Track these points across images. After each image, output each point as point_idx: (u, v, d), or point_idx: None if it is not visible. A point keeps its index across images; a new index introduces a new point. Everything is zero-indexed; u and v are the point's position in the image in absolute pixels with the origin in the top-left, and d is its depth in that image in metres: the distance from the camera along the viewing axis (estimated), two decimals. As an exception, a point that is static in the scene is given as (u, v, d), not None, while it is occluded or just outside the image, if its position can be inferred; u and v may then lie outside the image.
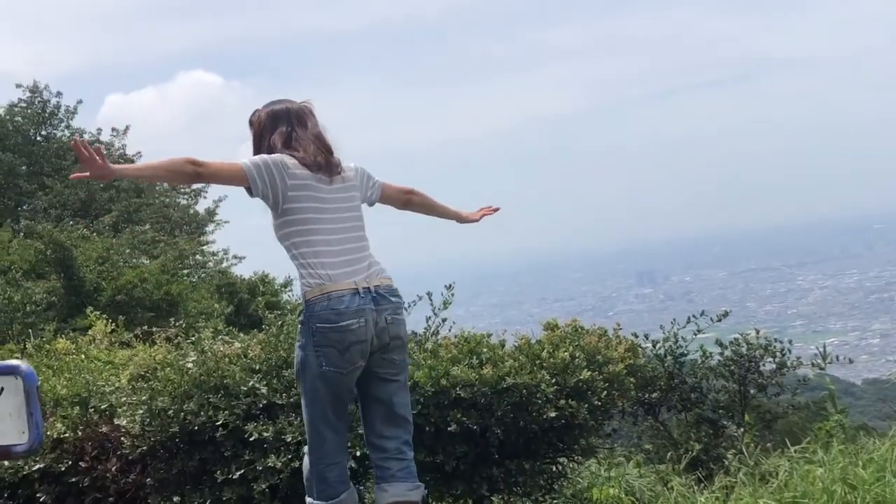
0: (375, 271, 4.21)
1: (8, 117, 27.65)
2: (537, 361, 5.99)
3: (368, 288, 4.09)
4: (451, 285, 6.89)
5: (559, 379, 5.91)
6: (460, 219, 5.03)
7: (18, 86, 29.65)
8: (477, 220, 5.07)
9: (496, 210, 5.13)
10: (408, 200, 4.74)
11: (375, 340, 4.11)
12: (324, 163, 4.19)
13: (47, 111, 28.50)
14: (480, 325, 6.83)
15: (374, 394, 4.29)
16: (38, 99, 29.08)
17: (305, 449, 4.36)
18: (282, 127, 4.24)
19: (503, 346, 6.33)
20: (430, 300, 6.78)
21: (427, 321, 6.82)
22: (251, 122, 4.36)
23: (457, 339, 6.33)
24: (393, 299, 4.22)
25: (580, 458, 6.62)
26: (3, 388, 4.77)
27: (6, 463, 5.77)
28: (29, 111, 28.40)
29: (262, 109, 4.36)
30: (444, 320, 6.81)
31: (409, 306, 6.68)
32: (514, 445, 5.95)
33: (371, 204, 4.51)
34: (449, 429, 5.63)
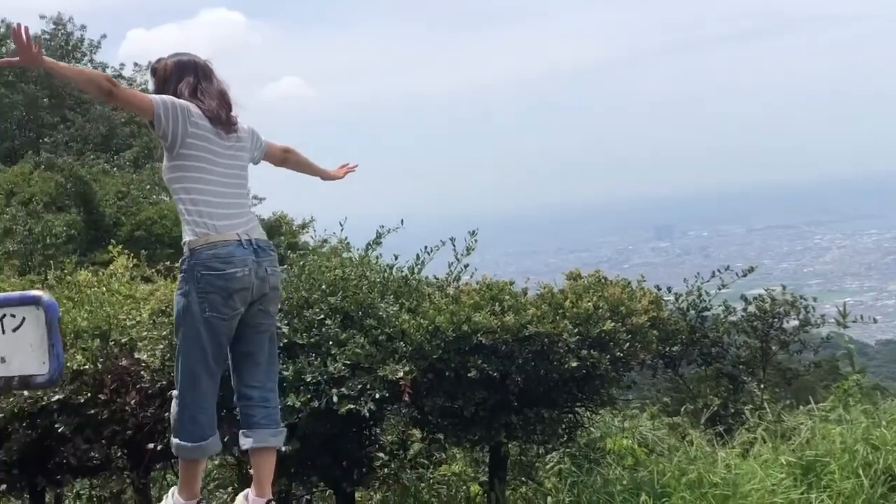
0: (254, 226, 4.37)
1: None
2: (560, 311, 5.94)
3: (250, 240, 4.25)
4: (474, 231, 6.82)
5: (581, 329, 5.86)
6: (325, 176, 5.23)
7: (42, 17, 29.57)
8: (341, 177, 5.30)
9: (355, 167, 5.32)
10: (284, 159, 4.93)
11: (255, 289, 4.26)
12: (224, 118, 4.32)
13: (71, 44, 28.42)
14: (496, 274, 6.80)
15: (244, 345, 4.42)
16: (62, 31, 28.99)
17: (174, 393, 4.42)
18: (188, 77, 4.35)
19: (525, 293, 6.28)
20: (454, 246, 6.71)
21: (449, 266, 6.76)
22: (155, 70, 4.45)
23: (479, 285, 6.28)
24: (271, 252, 4.39)
25: (599, 408, 6.60)
26: (24, 319, 4.77)
27: (26, 393, 5.78)
28: (52, 43, 28.30)
29: (167, 59, 4.44)
30: (465, 266, 6.75)
31: (432, 251, 6.63)
32: (533, 393, 5.93)
33: (256, 162, 4.68)
34: (469, 375, 5.60)
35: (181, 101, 4.18)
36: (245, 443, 4.44)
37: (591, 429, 7.22)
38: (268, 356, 4.49)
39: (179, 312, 4.27)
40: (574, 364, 5.71)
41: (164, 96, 4.17)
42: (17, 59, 3.89)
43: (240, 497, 4.53)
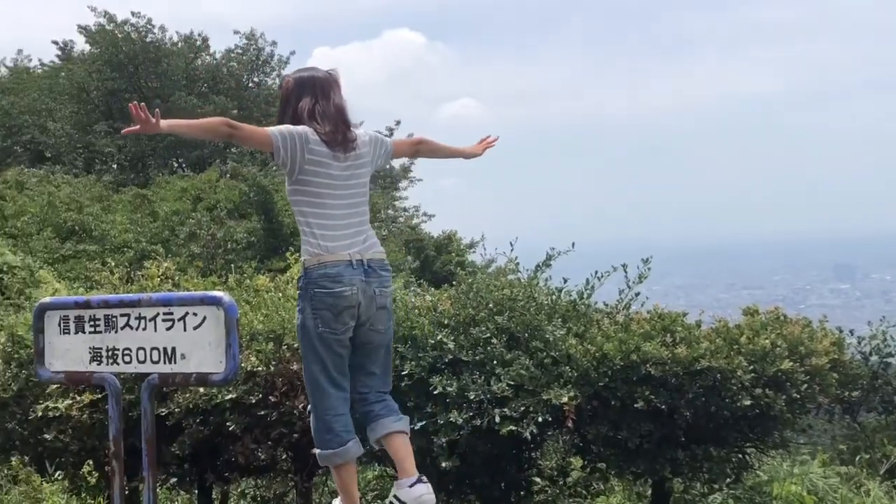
0: (370, 245, 4.49)
1: (224, 62, 28.90)
2: (735, 346, 5.73)
3: (361, 260, 4.40)
4: (647, 259, 6.67)
5: (757, 366, 5.63)
6: (465, 155, 5.20)
7: (236, 32, 31.00)
8: (480, 154, 5.24)
9: (495, 140, 5.24)
10: (417, 150, 5.15)
11: (363, 308, 4.40)
12: (341, 139, 4.44)
13: (261, 59, 29.65)
14: (666, 305, 6.62)
15: (357, 357, 4.53)
16: (254, 46, 30.26)
17: (310, 408, 4.54)
18: (307, 97, 4.47)
19: (699, 326, 6.08)
20: (625, 272, 6.58)
21: (619, 293, 6.63)
22: (279, 87, 4.58)
23: (650, 314, 6.13)
24: (382, 273, 4.51)
25: (769, 450, 6.32)
26: (205, 318, 4.94)
27: (201, 389, 5.99)
28: (244, 58, 29.60)
29: (290, 76, 4.60)
30: (637, 294, 6.60)
31: (602, 277, 6.52)
32: (702, 430, 5.73)
33: (383, 168, 4.89)
34: (636, 405, 5.47)
35: (299, 128, 4.34)
36: (372, 435, 4.56)
37: (759, 472, 6.92)
38: (382, 367, 4.63)
39: (298, 328, 4.49)
40: (747, 402, 5.49)
41: (281, 128, 4.33)
42: (138, 127, 4.06)
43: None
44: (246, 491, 7.90)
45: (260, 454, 6.18)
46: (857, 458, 7.93)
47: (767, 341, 5.73)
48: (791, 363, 5.65)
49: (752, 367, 5.59)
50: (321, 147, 4.36)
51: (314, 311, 4.36)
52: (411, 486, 4.36)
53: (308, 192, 4.38)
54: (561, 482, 6.49)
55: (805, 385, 5.71)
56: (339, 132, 4.44)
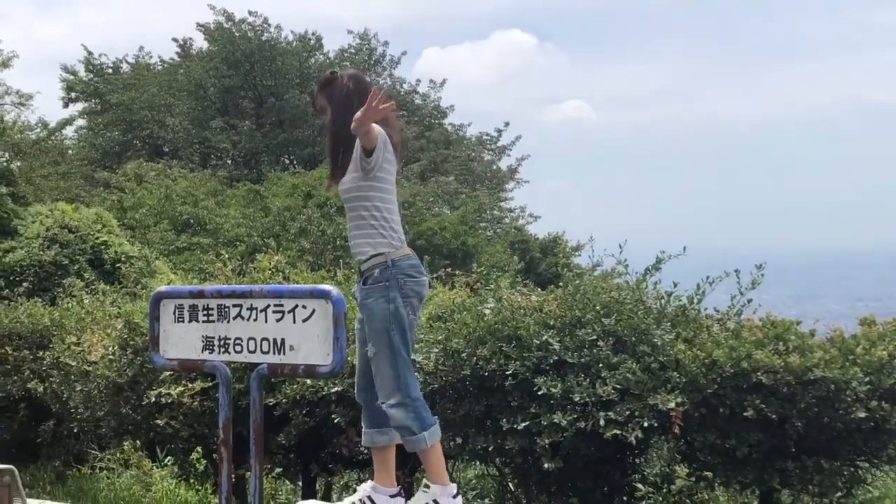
0: None
1: (337, 61, 29.36)
2: (850, 357, 5.54)
3: None
4: (761, 265, 6.50)
5: (873, 378, 5.44)
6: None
7: (350, 32, 31.48)
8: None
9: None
10: None
11: None
12: (399, 145, 4.70)
13: (373, 58, 30.03)
14: (780, 313, 6.43)
15: None
16: (366, 46, 30.66)
17: (394, 401, 4.46)
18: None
19: (813, 335, 5.91)
20: (738, 278, 6.42)
21: (731, 299, 6.48)
22: (331, 81, 4.60)
23: (762, 322, 5.98)
24: None
25: (884, 465, 6.10)
26: (314, 311, 5.01)
27: (309, 381, 6.08)
28: (357, 57, 30.02)
29: (344, 72, 4.66)
30: (749, 301, 6.44)
31: (714, 282, 6.39)
32: (813, 441, 5.56)
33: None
34: (745, 414, 5.34)
35: (383, 131, 4.47)
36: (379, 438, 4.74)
37: (871, 487, 6.69)
38: None
39: (389, 317, 4.47)
40: (862, 415, 5.31)
41: (381, 131, 4.42)
42: (366, 115, 4.20)
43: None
44: (349, 483, 7.99)
45: (363, 447, 6.25)
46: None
47: (885, 352, 5.53)
48: (909, 376, 5.44)
49: (867, 378, 5.41)
50: (391, 149, 4.54)
51: (405, 299, 4.45)
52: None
53: (383, 189, 4.55)
54: (665, 489, 6.36)
55: (924, 399, 5.49)
56: (398, 138, 4.68)
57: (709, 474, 5.79)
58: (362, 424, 4.74)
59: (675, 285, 6.37)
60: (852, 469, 5.98)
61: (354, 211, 4.56)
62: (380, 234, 4.51)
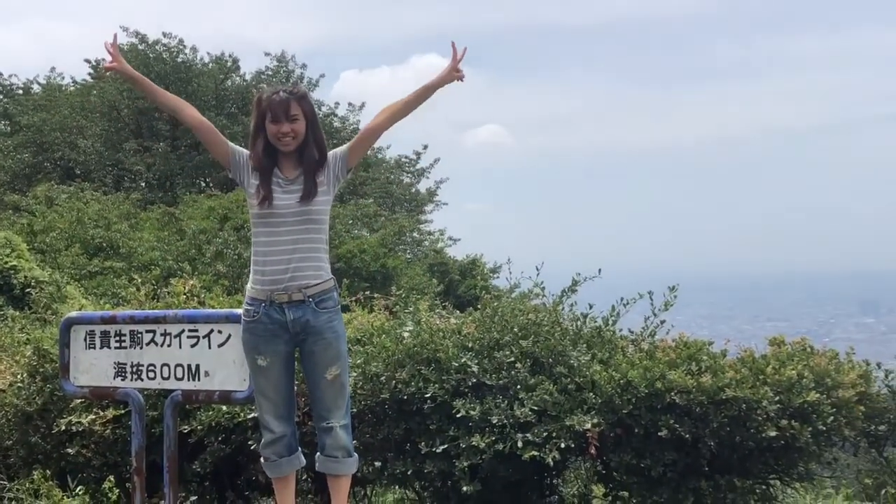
0: None
1: (254, 83, 29.16)
2: (761, 376, 5.68)
3: None
4: (674, 287, 6.62)
5: (783, 397, 5.58)
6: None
7: (267, 54, 31.31)
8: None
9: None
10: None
11: None
12: None
13: (291, 81, 29.85)
14: (692, 334, 6.57)
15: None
16: (284, 68, 30.49)
17: (344, 423, 4.60)
18: None
19: (724, 356, 6.04)
20: (651, 300, 6.53)
21: (645, 321, 6.59)
22: (306, 94, 4.61)
23: (675, 342, 6.09)
24: None
25: (794, 482, 6.24)
26: (230, 336, 4.96)
27: (224, 408, 5.99)
28: (274, 79, 29.84)
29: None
30: (662, 322, 6.56)
31: (628, 304, 6.48)
32: (726, 460, 5.67)
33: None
34: (660, 434, 5.43)
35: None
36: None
37: (782, 504, 6.84)
38: None
39: (344, 339, 4.61)
40: (773, 433, 5.44)
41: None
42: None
43: None
44: (266, 510, 7.88)
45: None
46: (883, 492, 7.81)
47: (794, 372, 5.68)
48: (817, 395, 5.59)
49: (777, 397, 5.54)
50: None
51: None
52: None
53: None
54: (582, 510, 6.43)
55: (831, 417, 5.64)
56: None
57: (625, 494, 5.87)
58: (274, 454, 4.67)
59: (591, 307, 6.45)
60: (764, 487, 6.10)
61: (312, 233, 4.42)
62: (327, 259, 4.54)
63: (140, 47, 29.58)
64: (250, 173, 4.45)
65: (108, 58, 4.51)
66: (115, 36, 4.58)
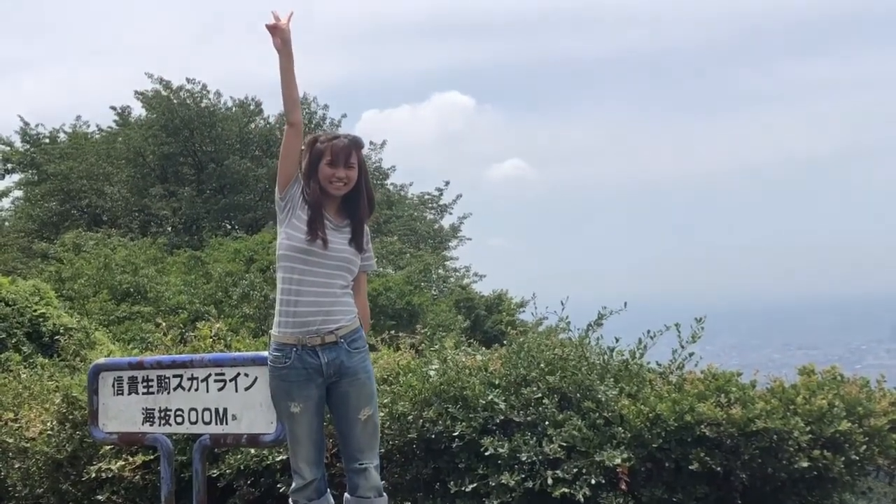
0: None
1: (277, 125, 29.40)
2: (791, 407, 5.62)
3: None
4: (700, 318, 6.57)
5: (814, 427, 5.52)
6: (281, 65, 4.57)
7: (289, 96, 31.52)
8: (274, 32, 4.46)
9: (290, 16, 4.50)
10: None
11: None
12: None
13: (313, 122, 30.09)
14: (721, 365, 6.52)
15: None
16: (306, 110, 30.74)
17: (375, 463, 4.65)
18: None
19: (754, 386, 5.98)
20: (678, 332, 6.49)
21: (672, 353, 6.54)
22: (362, 149, 4.71)
23: (703, 374, 6.05)
24: None
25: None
26: (257, 378, 4.97)
27: (252, 451, 6.00)
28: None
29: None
30: (690, 354, 6.51)
31: (655, 336, 6.44)
32: (758, 492, 5.60)
33: None
34: (690, 467, 5.38)
35: None
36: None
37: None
38: None
39: (374, 381, 4.70)
40: (805, 464, 5.38)
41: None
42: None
43: None
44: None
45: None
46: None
47: (824, 401, 5.62)
48: (849, 424, 5.53)
49: (809, 427, 5.49)
50: None
51: None
52: None
53: None
54: (615, 546, 6.36)
55: (864, 446, 5.58)
56: None
57: (657, 529, 5.79)
58: (305, 498, 4.66)
59: (618, 340, 6.42)
60: (798, 518, 6.02)
61: (345, 278, 4.52)
62: (353, 300, 4.60)
63: (164, 93, 29.93)
64: (300, 206, 4.48)
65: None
66: (291, 14, 4.47)
